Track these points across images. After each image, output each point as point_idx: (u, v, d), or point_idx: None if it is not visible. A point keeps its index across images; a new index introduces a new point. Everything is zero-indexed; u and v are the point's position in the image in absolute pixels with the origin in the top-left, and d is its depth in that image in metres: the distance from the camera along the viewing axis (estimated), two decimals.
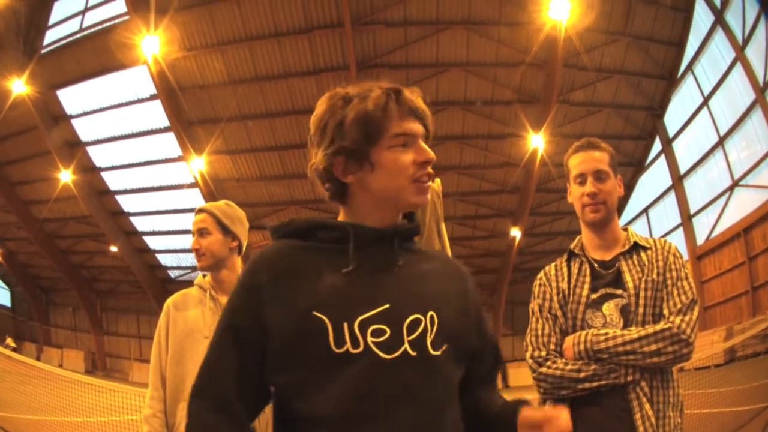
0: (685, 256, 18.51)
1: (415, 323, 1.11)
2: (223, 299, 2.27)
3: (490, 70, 16.65)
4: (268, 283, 1.13)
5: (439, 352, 1.12)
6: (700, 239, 18.28)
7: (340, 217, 1.25)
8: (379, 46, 16.17)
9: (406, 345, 1.09)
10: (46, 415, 8.64)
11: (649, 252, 1.95)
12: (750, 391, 8.88)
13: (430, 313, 1.14)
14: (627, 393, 1.80)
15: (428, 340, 1.11)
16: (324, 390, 1.07)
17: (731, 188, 16.41)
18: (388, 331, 1.09)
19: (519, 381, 22.11)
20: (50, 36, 18.00)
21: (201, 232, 2.36)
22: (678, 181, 18.73)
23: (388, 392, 1.07)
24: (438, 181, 4.24)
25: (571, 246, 2.08)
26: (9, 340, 25.38)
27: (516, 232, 20.34)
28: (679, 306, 1.82)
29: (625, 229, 2.05)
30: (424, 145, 1.20)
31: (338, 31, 15.61)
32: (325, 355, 1.06)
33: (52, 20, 18.02)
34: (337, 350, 1.06)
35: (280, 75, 16.61)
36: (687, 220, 18.59)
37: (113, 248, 22.53)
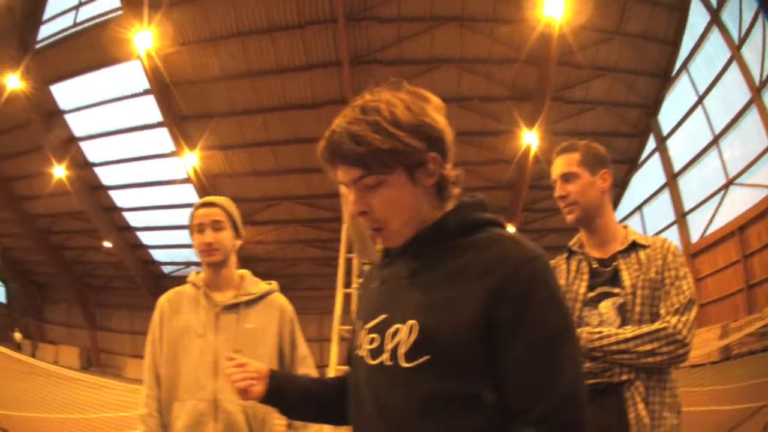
0: None
1: (396, 333, 1.12)
2: (217, 297, 2.26)
3: (484, 66, 16.59)
4: None
5: (411, 364, 1.08)
6: (695, 237, 18.27)
7: None
8: (372, 42, 16.12)
9: (386, 354, 1.13)
10: (41, 412, 8.64)
11: (648, 250, 1.93)
12: (746, 390, 8.87)
13: (411, 322, 1.09)
14: (622, 392, 1.78)
15: (401, 351, 1.09)
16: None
17: (726, 186, 16.41)
18: (378, 339, 1.15)
19: None
20: (45, 31, 17.99)
21: (215, 226, 2.26)
22: (672, 179, 18.72)
23: (364, 396, 1.17)
24: None
25: (570, 243, 2.09)
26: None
27: (509, 229, 20.12)
28: (676, 306, 1.80)
29: (625, 227, 2.04)
30: (353, 195, 1.18)
31: (331, 27, 15.58)
32: (352, 354, 1.27)
33: (46, 15, 17.99)
34: (356, 352, 1.24)
35: (273, 70, 16.56)
36: (681, 217, 18.59)
37: (107, 244, 22.52)
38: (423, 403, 1.06)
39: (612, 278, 1.92)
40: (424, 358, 1.07)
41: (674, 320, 1.77)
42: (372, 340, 1.16)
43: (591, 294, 1.92)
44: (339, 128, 1.15)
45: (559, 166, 2.07)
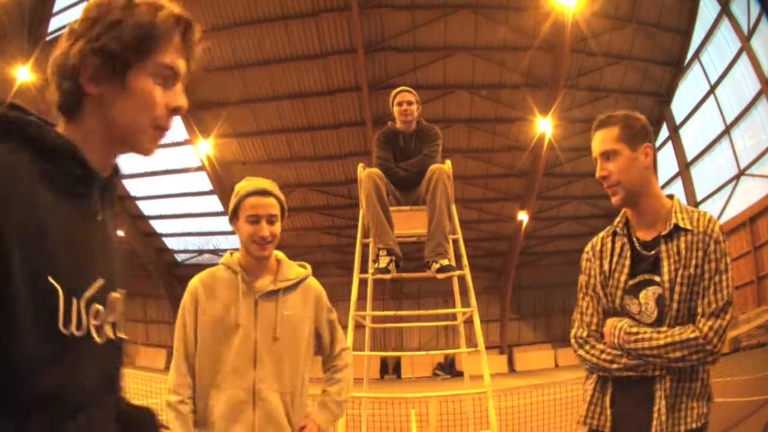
0: None
1: (116, 301, 0.97)
2: (255, 283, 2.19)
3: (498, 54, 16.62)
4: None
5: (124, 335, 0.99)
6: None
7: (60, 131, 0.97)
8: (386, 29, 16.14)
9: (109, 326, 0.94)
10: None
11: (689, 236, 1.85)
12: (754, 382, 8.85)
13: (121, 290, 1.00)
14: (654, 383, 1.86)
15: (122, 322, 0.99)
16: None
17: (737, 177, 16.37)
18: (102, 311, 0.92)
19: (525, 365, 22.20)
20: (55, 23, 17.97)
21: (271, 219, 2.15)
22: (685, 168, 18.67)
23: (94, 379, 0.92)
24: (448, 162, 4.24)
25: (615, 222, 2.03)
26: None
27: (523, 216, 20.31)
28: (713, 307, 1.79)
29: (671, 197, 1.96)
30: (180, 89, 1.04)
31: (345, 14, 15.60)
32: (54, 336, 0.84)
33: (56, 7, 17.97)
34: (64, 331, 0.85)
35: (287, 58, 16.62)
36: (694, 207, 18.55)
37: (119, 232, 22.46)
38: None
39: (653, 265, 1.89)
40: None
41: (706, 327, 1.77)
42: (96, 313, 0.95)
43: (632, 282, 1.92)
44: None
45: (597, 143, 1.93)
